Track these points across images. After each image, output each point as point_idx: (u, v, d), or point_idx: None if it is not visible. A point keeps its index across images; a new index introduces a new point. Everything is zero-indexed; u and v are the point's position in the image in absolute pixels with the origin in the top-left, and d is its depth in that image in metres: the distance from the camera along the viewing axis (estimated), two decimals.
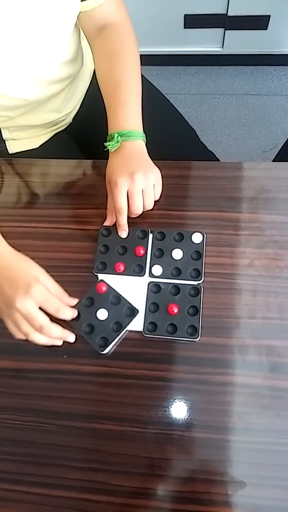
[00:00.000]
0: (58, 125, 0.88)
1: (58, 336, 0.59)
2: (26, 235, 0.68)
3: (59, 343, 0.60)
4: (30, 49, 0.64)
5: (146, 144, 0.69)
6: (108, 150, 0.69)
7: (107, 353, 0.59)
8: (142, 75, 0.77)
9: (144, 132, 0.70)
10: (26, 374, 0.60)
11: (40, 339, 0.58)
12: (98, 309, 0.61)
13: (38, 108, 0.78)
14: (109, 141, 0.69)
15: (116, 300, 0.62)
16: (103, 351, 0.59)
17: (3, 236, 0.64)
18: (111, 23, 0.74)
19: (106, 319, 0.61)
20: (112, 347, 0.60)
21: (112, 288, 0.62)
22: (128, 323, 0.60)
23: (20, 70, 0.65)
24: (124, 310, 0.61)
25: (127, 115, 0.71)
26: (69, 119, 0.90)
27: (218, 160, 0.92)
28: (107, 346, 0.59)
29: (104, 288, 0.62)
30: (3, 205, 0.72)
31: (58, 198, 0.73)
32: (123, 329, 0.60)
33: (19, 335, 0.59)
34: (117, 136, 0.67)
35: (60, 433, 0.56)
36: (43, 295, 0.58)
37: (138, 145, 0.68)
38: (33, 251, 0.66)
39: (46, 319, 0.57)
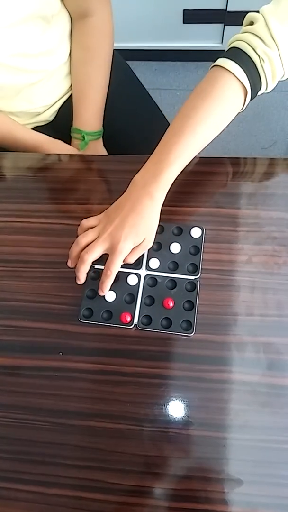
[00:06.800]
0: (36, 118, 0.87)
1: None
2: (22, 230, 0.68)
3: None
4: (8, 27, 0.66)
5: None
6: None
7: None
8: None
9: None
10: (21, 372, 0.59)
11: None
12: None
13: (10, 93, 0.79)
14: (75, 135, 0.82)
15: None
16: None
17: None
18: (92, 14, 0.77)
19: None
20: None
21: None
22: None
23: None
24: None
25: (94, 116, 0.82)
26: (48, 115, 0.88)
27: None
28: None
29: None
30: None
31: (54, 193, 0.72)
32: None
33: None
34: (87, 136, 0.81)
35: (55, 431, 0.56)
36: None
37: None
38: (29, 246, 0.66)
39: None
